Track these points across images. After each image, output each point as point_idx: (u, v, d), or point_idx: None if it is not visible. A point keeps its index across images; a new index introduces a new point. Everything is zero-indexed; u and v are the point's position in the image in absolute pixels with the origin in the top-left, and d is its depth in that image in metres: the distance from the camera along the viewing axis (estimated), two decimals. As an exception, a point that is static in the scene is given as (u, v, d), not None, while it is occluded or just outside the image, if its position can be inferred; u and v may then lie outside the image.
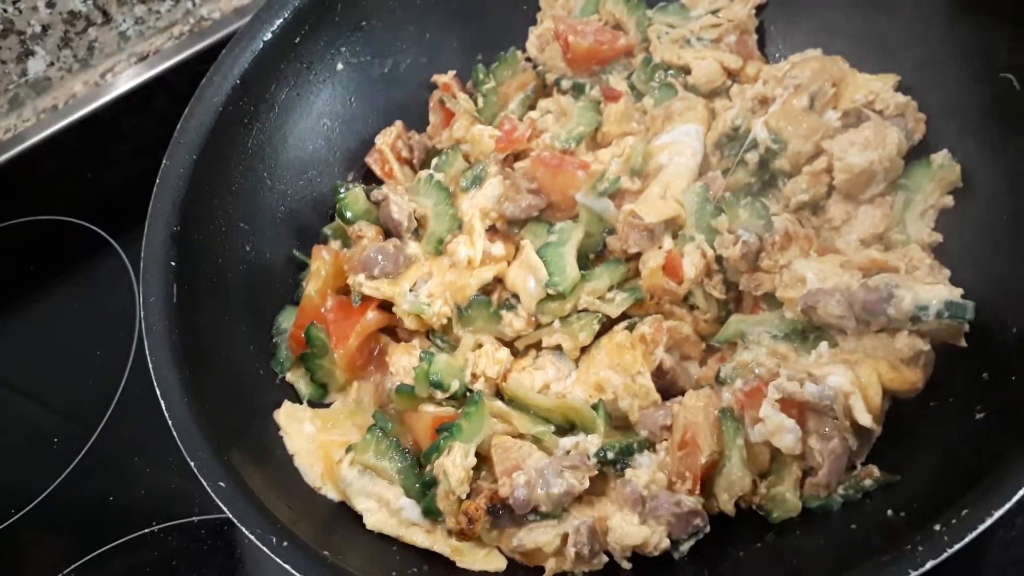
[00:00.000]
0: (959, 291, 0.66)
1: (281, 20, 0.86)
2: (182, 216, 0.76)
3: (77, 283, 1.08)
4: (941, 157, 0.77)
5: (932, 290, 0.66)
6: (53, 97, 1.17)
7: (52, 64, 1.15)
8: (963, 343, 0.67)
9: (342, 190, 0.87)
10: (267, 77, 0.86)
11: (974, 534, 0.51)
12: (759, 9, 0.90)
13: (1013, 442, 0.55)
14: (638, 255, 0.78)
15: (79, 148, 1.15)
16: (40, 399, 1.01)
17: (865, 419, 0.64)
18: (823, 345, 0.69)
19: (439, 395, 0.73)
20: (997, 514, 0.51)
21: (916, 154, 0.79)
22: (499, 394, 0.76)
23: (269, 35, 0.85)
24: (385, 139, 0.92)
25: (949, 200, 0.76)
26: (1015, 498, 0.51)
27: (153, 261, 0.72)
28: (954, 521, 0.52)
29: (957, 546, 0.51)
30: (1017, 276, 0.68)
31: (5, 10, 1.07)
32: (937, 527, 0.52)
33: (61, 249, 1.08)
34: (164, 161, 0.78)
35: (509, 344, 0.79)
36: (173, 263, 0.73)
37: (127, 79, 1.17)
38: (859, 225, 0.78)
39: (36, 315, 1.08)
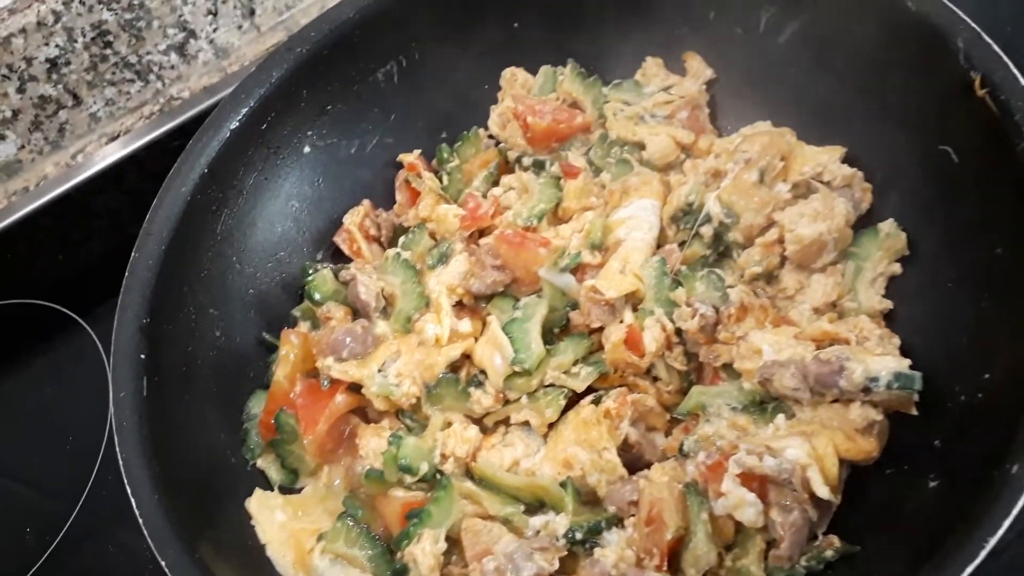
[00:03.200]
0: (907, 362, 0.68)
1: (247, 108, 0.88)
2: (151, 308, 0.77)
3: (48, 364, 1.08)
4: (888, 226, 0.80)
5: (881, 361, 0.68)
6: (24, 179, 1.18)
7: (23, 147, 1.16)
8: (914, 411, 0.69)
9: (310, 271, 0.89)
10: (234, 164, 0.88)
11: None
12: (709, 84, 0.94)
13: (961, 516, 0.57)
14: (600, 329, 0.80)
15: (51, 229, 1.16)
16: (15, 481, 1.01)
17: (823, 491, 0.66)
18: (780, 417, 0.71)
19: (408, 479, 0.74)
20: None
21: (864, 223, 0.82)
22: (469, 473, 0.77)
23: (236, 123, 0.87)
24: (353, 218, 0.94)
25: (897, 268, 0.79)
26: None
27: (123, 355, 0.73)
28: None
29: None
30: (960, 341, 0.71)
31: (-25, 98, 1.09)
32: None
33: (31, 331, 1.09)
34: (133, 253, 0.80)
35: (478, 421, 0.80)
36: (143, 356, 0.74)
37: (98, 159, 1.18)
38: (812, 294, 0.80)
39: (6, 398, 1.08)
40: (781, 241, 0.81)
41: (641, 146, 0.91)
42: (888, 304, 0.78)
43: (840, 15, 0.82)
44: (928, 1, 0.75)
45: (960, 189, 0.75)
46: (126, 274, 0.79)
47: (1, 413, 1.08)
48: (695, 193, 0.84)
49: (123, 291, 0.77)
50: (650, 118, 0.92)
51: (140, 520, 0.65)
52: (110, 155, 1.18)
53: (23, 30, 1.07)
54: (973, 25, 0.72)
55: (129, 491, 0.66)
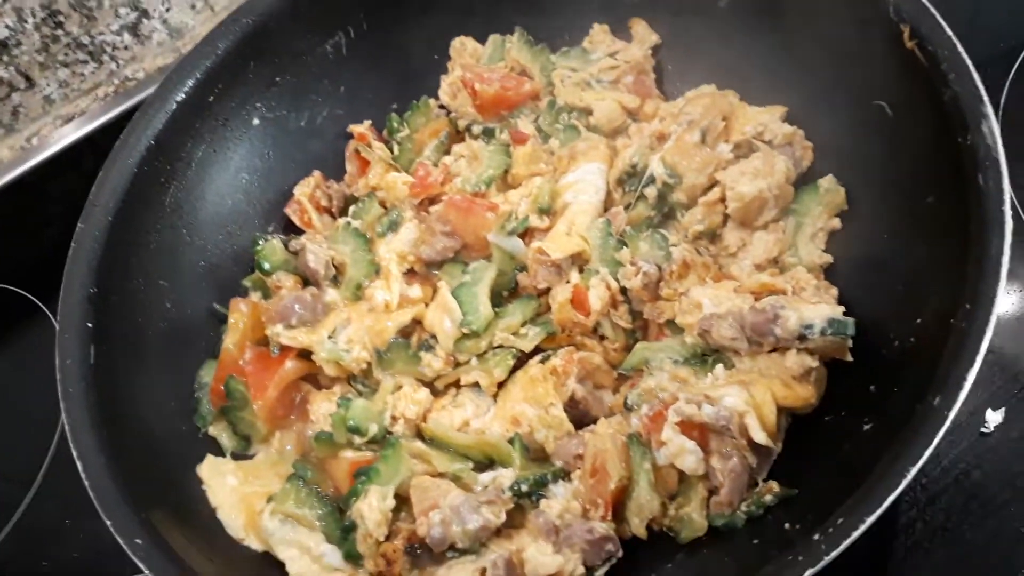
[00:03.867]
0: (840, 309, 0.70)
1: (193, 80, 0.88)
2: (98, 277, 0.77)
3: (7, 348, 1.08)
4: (827, 182, 0.81)
5: (816, 309, 0.69)
6: (-24, 162, 1.17)
7: (-25, 130, 1.16)
8: (849, 358, 0.70)
9: (260, 242, 0.90)
10: (182, 136, 0.88)
11: (848, 541, 0.54)
12: (655, 50, 0.95)
13: (888, 450, 0.58)
14: (548, 290, 0.81)
15: (7, 212, 1.15)
16: None
17: (760, 436, 0.68)
18: (719, 368, 0.72)
19: (358, 440, 0.75)
20: (869, 520, 0.54)
21: (804, 180, 0.84)
22: (420, 434, 0.78)
23: (182, 95, 0.87)
24: (303, 189, 0.94)
25: (837, 223, 0.81)
26: (885, 504, 0.54)
27: (69, 324, 0.73)
28: (831, 530, 0.55)
29: (833, 554, 0.54)
30: (895, 290, 0.72)
31: (-76, 81, 1.08)
32: (816, 536, 0.55)
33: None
34: (79, 224, 0.80)
35: (429, 384, 0.81)
36: (90, 324, 0.75)
37: (53, 141, 1.18)
38: (754, 251, 0.81)
39: None
40: (723, 200, 0.82)
41: (588, 112, 0.92)
42: (828, 258, 0.80)
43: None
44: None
45: (894, 142, 0.76)
46: (72, 244, 0.79)
47: None
48: (639, 156, 0.85)
49: (68, 260, 0.77)
50: (597, 84, 0.93)
51: (86, 483, 0.65)
52: (65, 137, 1.18)
53: (-29, 11, 1.07)
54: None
55: (75, 455, 0.67)
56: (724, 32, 0.90)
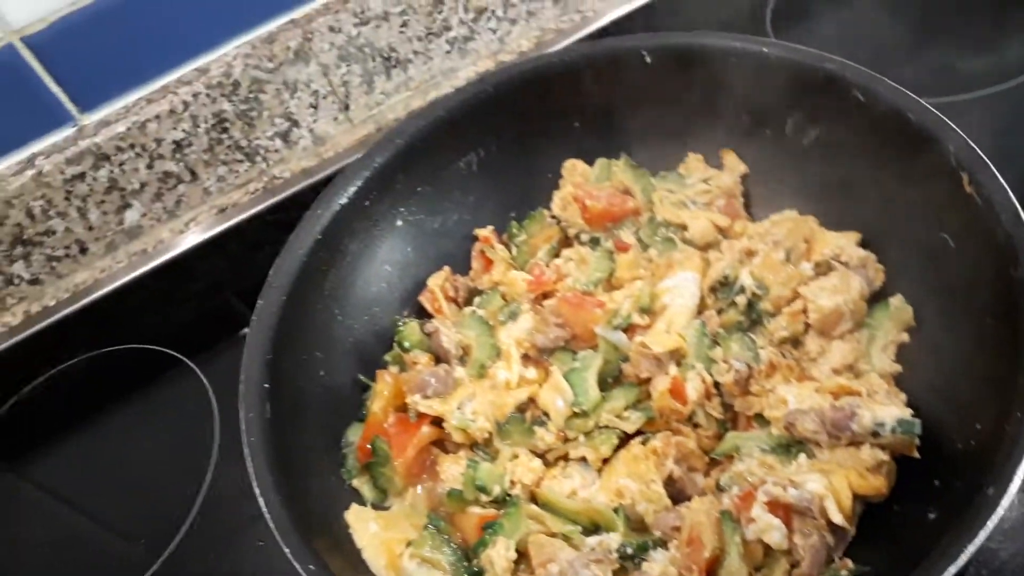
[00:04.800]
0: (909, 411, 0.81)
1: (355, 187, 1.05)
2: (273, 346, 0.92)
3: (157, 404, 1.21)
4: (897, 301, 0.94)
5: (887, 410, 0.81)
6: (143, 242, 1.36)
7: (145, 215, 1.35)
8: (916, 454, 0.81)
9: (400, 324, 1.05)
10: (341, 233, 1.04)
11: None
12: (743, 177, 1.10)
13: (947, 535, 0.69)
14: (649, 380, 0.94)
15: (163, 285, 1.33)
16: (103, 526, 1.11)
17: (838, 518, 0.78)
18: (802, 457, 0.83)
19: (484, 498, 0.87)
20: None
21: (877, 298, 0.96)
22: (533, 499, 0.90)
23: (344, 199, 1.04)
24: (435, 281, 1.09)
25: (905, 336, 0.93)
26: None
27: (251, 383, 0.88)
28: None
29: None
30: (958, 398, 0.83)
31: (112, 171, 1.28)
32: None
33: (143, 373, 1.22)
34: (259, 301, 0.95)
35: (541, 455, 0.93)
36: (266, 385, 0.89)
37: (207, 228, 1.37)
38: (832, 357, 0.93)
39: (116, 435, 1.19)
40: (805, 311, 0.95)
41: (684, 227, 1.06)
42: (897, 368, 0.91)
43: (853, 128, 0.97)
44: (925, 114, 0.90)
45: (956, 270, 0.88)
46: (253, 317, 0.94)
47: (101, 455, 1.17)
48: (730, 268, 0.98)
49: (250, 331, 0.92)
50: (692, 204, 1.08)
51: (267, 515, 0.78)
52: (218, 225, 1.37)
53: (157, 116, 1.27)
54: (961, 134, 0.87)
55: (258, 492, 0.80)
56: (805, 166, 1.05)
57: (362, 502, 0.92)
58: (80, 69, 1.22)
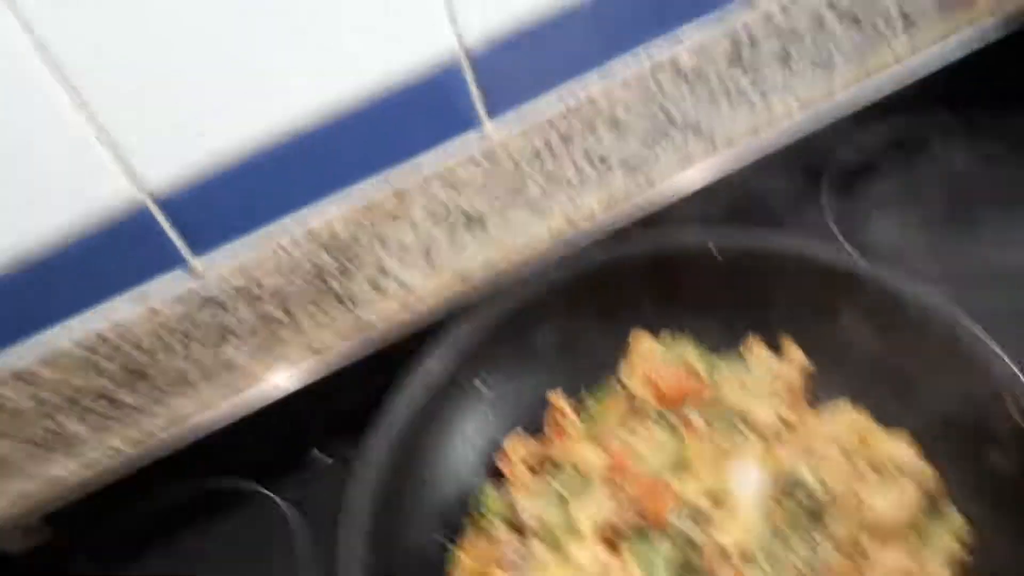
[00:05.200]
0: (963, 634, 0.87)
1: (448, 358, 1.16)
2: (372, 514, 1.02)
3: (241, 537, 1.31)
4: (952, 512, 1.00)
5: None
6: (238, 376, 1.47)
7: (240, 351, 1.46)
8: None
9: (480, 490, 1.14)
10: (437, 400, 1.15)
11: None
12: (803, 368, 1.18)
13: None
14: (714, 570, 1.01)
15: (253, 421, 1.43)
16: None
17: None
18: (859, 667, 0.90)
19: None
20: None
21: (931, 506, 1.03)
22: (603, 678, 0.97)
23: (437, 371, 1.15)
24: (511, 445, 1.18)
25: (957, 547, 0.99)
26: None
27: (352, 555, 0.97)
28: None
29: None
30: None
31: (215, 312, 1.40)
32: None
33: (230, 510, 1.32)
34: (357, 467, 1.05)
35: (611, 634, 1.01)
36: (362, 554, 0.98)
37: (298, 365, 1.47)
38: (885, 559, 1.00)
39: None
40: (862, 513, 1.02)
41: (747, 414, 1.14)
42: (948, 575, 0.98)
43: (903, 335, 1.06)
44: (973, 339, 0.99)
45: (1008, 490, 0.95)
46: (352, 481, 1.03)
47: None
48: (792, 463, 1.06)
49: (351, 493, 1.02)
50: (755, 392, 1.16)
51: None
52: (307, 364, 1.47)
53: (260, 264, 1.39)
54: (1007, 362, 0.95)
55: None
56: (860, 360, 1.13)
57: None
58: (198, 220, 1.35)
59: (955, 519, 0.99)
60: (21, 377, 1.31)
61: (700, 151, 1.60)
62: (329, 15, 1.22)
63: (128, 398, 1.41)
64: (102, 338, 1.34)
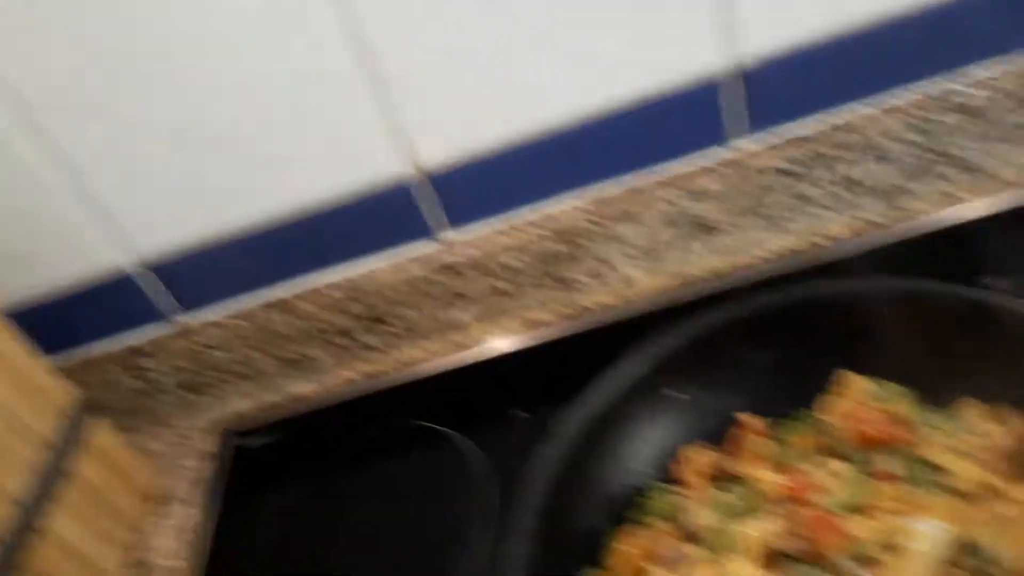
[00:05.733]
0: None
1: (648, 364, 1.21)
2: (545, 496, 1.11)
3: (432, 476, 1.46)
4: None
5: None
6: (464, 336, 1.62)
7: (469, 315, 1.61)
8: None
9: (653, 489, 1.19)
10: (631, 398, 1.21)
11: None
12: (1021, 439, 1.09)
13: None
14: (871, 619, 0.99)
15: (470, 379, 1.58)
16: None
17: None
18: None
19: None
20: None
21: None
22: None
23: (637, 372, 1.21)
24: (690, 453, 1.21)
25: None
26: None
27: (519, 527, 1.07)
28: None
29: None
30: None
31: (452, 279, 1.55)
32: None
33: (429, 449, 1.48)
34: (541, 449, 1.14)
35: (756, 652, 1.02)
36: (532, 529, 1.08)
37: (516, 335, 1.60)
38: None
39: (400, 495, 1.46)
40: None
41: (947, 472, 1.08)
42: None
43: None
44: None
45: None
46: (545, 445, 1.13)
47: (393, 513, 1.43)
48: (980, 529, 1.00)
49: (537, 459, 1.12)
50: (961, 453, 1.10)
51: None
52: (529, 341, 1.59)
53: (505, 248, 1.52)
54: None
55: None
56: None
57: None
58: (457, 199, 1.50)
59: None
60: (284, 306, 1.55)
61: (966, 188, 1.50)
62: (596, 27, 1.31)
63: (367, 339, 1.62)
64: (354, 285, 1.55)
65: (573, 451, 1.13)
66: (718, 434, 1.26)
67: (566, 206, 1.50)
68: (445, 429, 1.51)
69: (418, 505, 1.43)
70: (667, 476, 1.23)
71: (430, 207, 1.48)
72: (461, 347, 1.62)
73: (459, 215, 1.50)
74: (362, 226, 1.49)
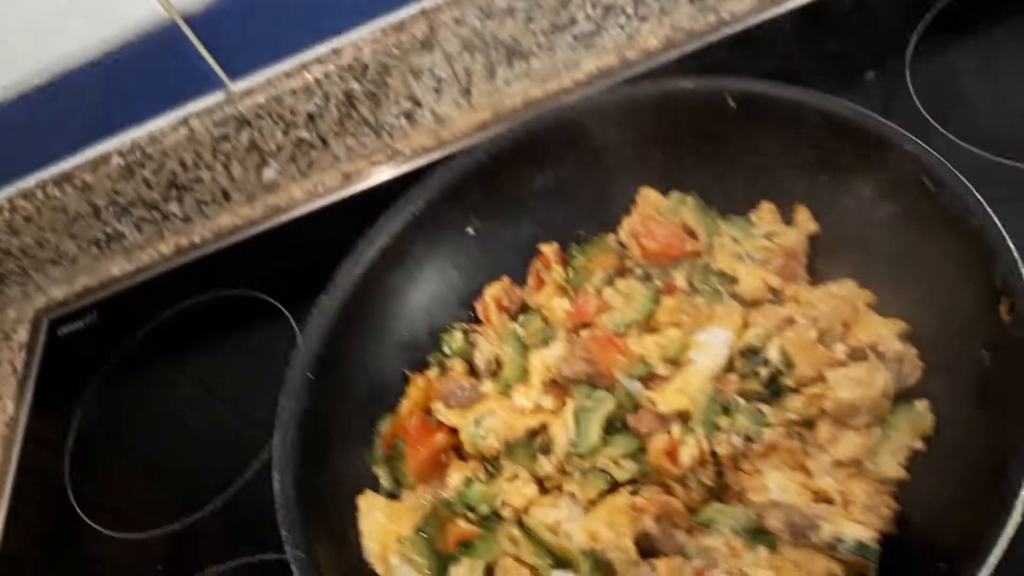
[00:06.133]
0: (873, 534, 0.80)
1: (431, 197, 1.13)
2: (326, 341, 1.05)
3: (250, 349, 1.40)
4: (921, 406, 0.90)
5: (851, 528, 0.80)
6: (278, 197, 1.53)
7: (280, 173, 1.51)
8: (873, 577, 0.80)
9: (448, 329, 1.14)
10: (411, 237, 1.13)
11: None
12: (811, 237, 1.06)
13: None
14: (649, 434, 0.97)
15: (286, 239, 1.49)
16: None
17: (772, 624, 0.80)
18: (763, 549, 0.85)
19: (471, 515, 0.97)
20: None
21: (907, 395, 0.92)
22: (520, 521, 0.98)
23: (419, 207, 1.13)
24: (491, 291, 1.16)
25: (920, 444, 0.89)
26: None
27: (295, 377, 1.01)
28: None
29: None
30: (943, 528, 0.81)
31: (252, 134, 1.44)
32: None
33: (245, 317, 1.41)
34: (322, 296, 1.08)
35: (540, 481, 1.00)
36: (311, 377, 1.02)
37: (333, 191, 1.51)
38: (841, 448, 0.91)
39: (200, 378, 1.41)
40: (824, 396, 0.93)
41: (735, 281, 1.05)
42: (903, 475, 0.88)
43: (924, 214, 0.92)
44: (987, 223, 0.84)
45: (989, 390, 0.83)
46: (313, 311, 1.07)
47: (198, 385, 1.39)
48: (762, 337, 0.98)
49: (308, 325, 1.05)
50: (749, 259, 1.06)
51: (278, 502, 0.92)
52: (344, 189, 1.50)
53: (294, 91, 1.40)
54: (1015, 254, 0.81)
55: (275, 476, 0.94)
56: (875, 239, 0.99)
57: (379, 488, 1.04)
58: (231, 43, 1.37)
59: (924, 416, 0.89)
60: (67, 181, 1.42)
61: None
62: None
63: (174, 208, 1.51)
64: (144, 152, 1.42)
65: (350, 300, 1.07)
66: (526, 269, 1.21)
67: (357, 42, 1.38)
68: (265, 296, 1.43)
69: (240, 372, 1.38)
70: (474, 315, 1.19)
71: (199, 55, 1.34)
72: (277, 210, 1.53)
73: (237, 61, 1.37)
74: (134, 85, 1.35)
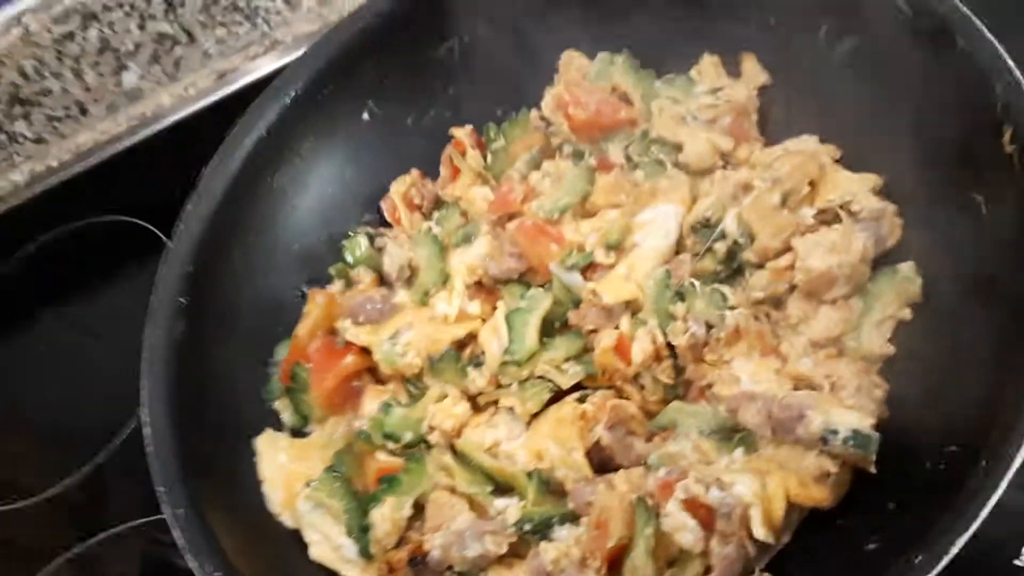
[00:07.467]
0: (869, 421, 0.67)
1: (310, 76, 0.94)
2: (198, 257, 0.86)
3: (127, 277, 1.22)
4: (907, 269, 0.77)
5: (844, 416, 0.67)
6: (143, 106, 1.31)
7: (143, 77, 1.28)
8: (873, 470, 0.68)
9: (350, 235, 0.96)
10: (293, 128, 0.94)
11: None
12: (762, 90, 0.91)
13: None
14: (595, 331, 0.82)
15: (158, 153, 1.28)
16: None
17: (760, 532, 0.67)
18: (740, 451, 0.72)
19: (392, 446, 0.81)
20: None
21: (888, 260, 0.79)
22: (452, 446, 0.83)
23: (297, 90, 0.94)
24: (398, 187, 0.99)
25: (907, 313, 0.76)
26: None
27: (163, 300, 0.83)
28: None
29: None
30: (943, 404, 0.69)
31: (102, 30, 1.21)
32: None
33: (124, 248, 1.21)
34: (187, 206, 0.89)
35: (472, 398, 0.85)
36: (183, 300, 0.84)
37: (208, 93, 1.29)
38: (815, 326, 0.78)
39: (85, 311, 1.23)
40: (793, 268, 0.79)
41: (679, 148, 0.90)
42: (890, 349, 0.76)
43: (894, 40, 0.77)
44: (978, 40, 0.69)
45: (985, 243, 0.71)
46: (178, 224, 0.88)
47: (73, 328, 1.21)
48: (715, 208, 0.83)
49: (173, 241, 0.87)
50: (692, 120, 0.91)
51: (150, 450, 0.75)
52: (218, 90, 1.29)
53: (145, -28, 1.18)
54: (1016, 73, 0.67)
55: (146, 421, 0.77)
56: (835, 83, 0.85)
57: (280, 426, 0.88)
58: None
59: (910, 280, 0.76)
60: None
61: None
62: None
63: (24, 129, 1.28)
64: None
65: (222, 207, 0.88)
66: (437, 159, 1.03)
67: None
68: (139, 221, 1.23)
69: (119, 309, 1.18)
70: (382, 217, 1.01)
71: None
72: (143, 121, 1.30)
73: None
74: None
